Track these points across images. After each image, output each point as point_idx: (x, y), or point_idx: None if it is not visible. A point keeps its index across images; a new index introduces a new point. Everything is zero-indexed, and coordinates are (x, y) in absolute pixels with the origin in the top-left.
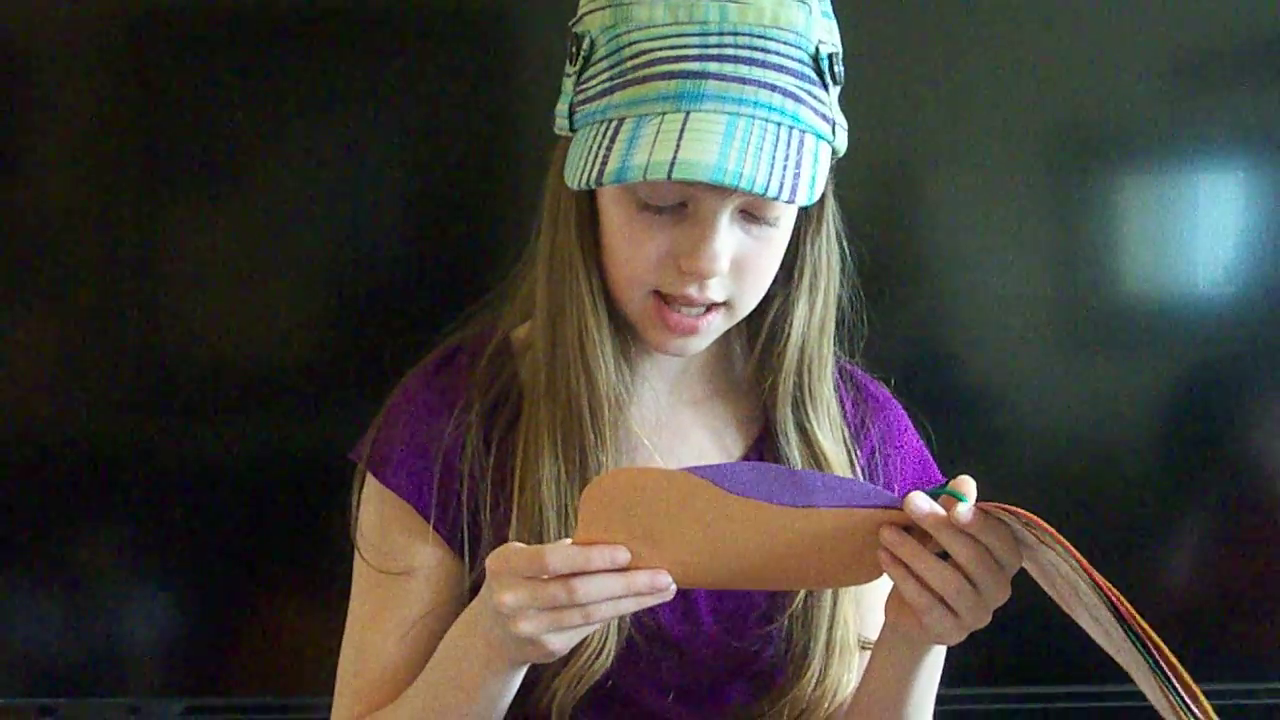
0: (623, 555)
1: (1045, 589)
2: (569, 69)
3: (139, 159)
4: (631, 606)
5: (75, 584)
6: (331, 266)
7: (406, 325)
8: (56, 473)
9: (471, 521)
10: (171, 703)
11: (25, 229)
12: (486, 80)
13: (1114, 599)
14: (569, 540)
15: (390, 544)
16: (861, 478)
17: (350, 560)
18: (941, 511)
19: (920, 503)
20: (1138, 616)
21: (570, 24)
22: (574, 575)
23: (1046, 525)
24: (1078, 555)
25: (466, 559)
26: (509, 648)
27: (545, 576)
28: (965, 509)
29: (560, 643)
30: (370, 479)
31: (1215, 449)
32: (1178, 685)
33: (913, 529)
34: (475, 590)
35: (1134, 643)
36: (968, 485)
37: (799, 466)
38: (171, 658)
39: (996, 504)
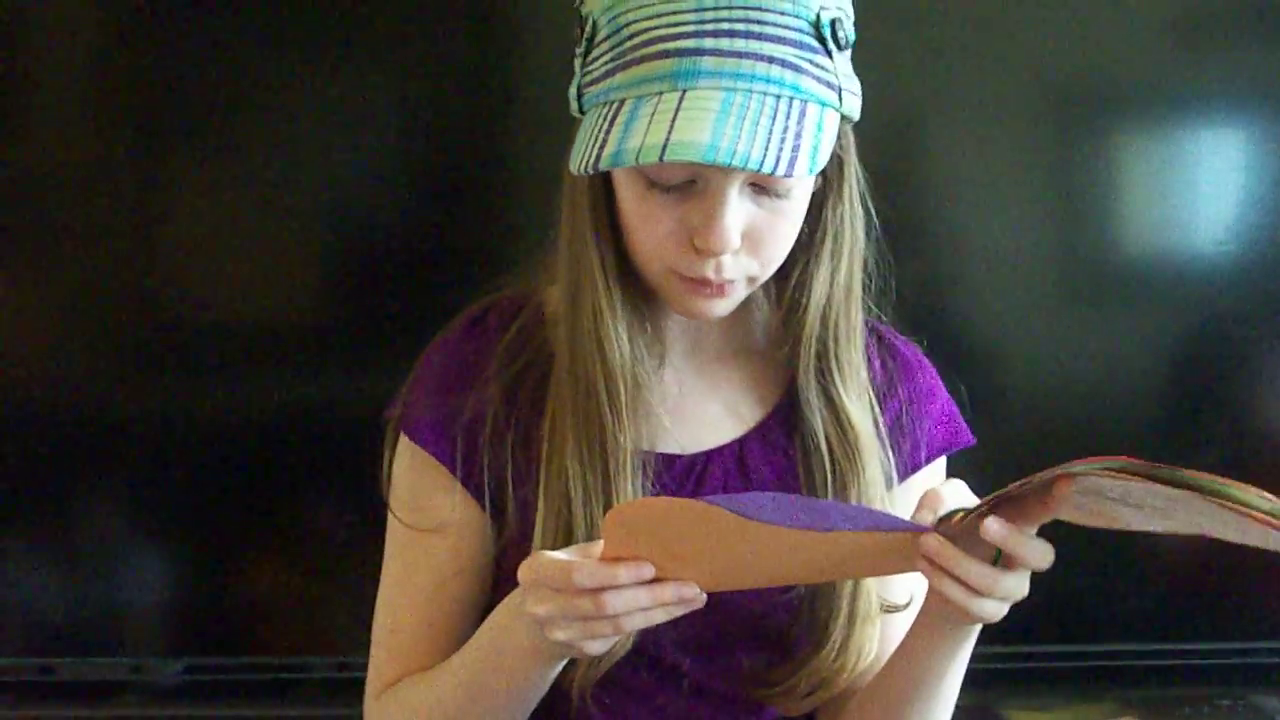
0: (647, 570)
1: (1102, 525)
2: (578, 50)
3: (143, 119)
4: (662, 616)
5: (75, 544)
6: (340, 226)
7: (409, 287)
8: (56, 434)
9: (497, 488)
10: (171, 662)
11: (27, 190)
12: (505, 44)
13: (1148, 468)
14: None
15: (422, 501)
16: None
17: (351, 525)
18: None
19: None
20: (1177, 469)
21: (576, 4)
22: (602, 589)
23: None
24: (1107, 460)
25: (494, 526)
26: (547, 647)
27: (573, 590)
28: (994, 526)
29: (597, 646)
30: (402, 436)
31: (1217, 406)
32: (1242, 500)
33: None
34: (504, 554)
35: (1192, 488)
36: (952, 491)
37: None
38: (171, 618)
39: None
